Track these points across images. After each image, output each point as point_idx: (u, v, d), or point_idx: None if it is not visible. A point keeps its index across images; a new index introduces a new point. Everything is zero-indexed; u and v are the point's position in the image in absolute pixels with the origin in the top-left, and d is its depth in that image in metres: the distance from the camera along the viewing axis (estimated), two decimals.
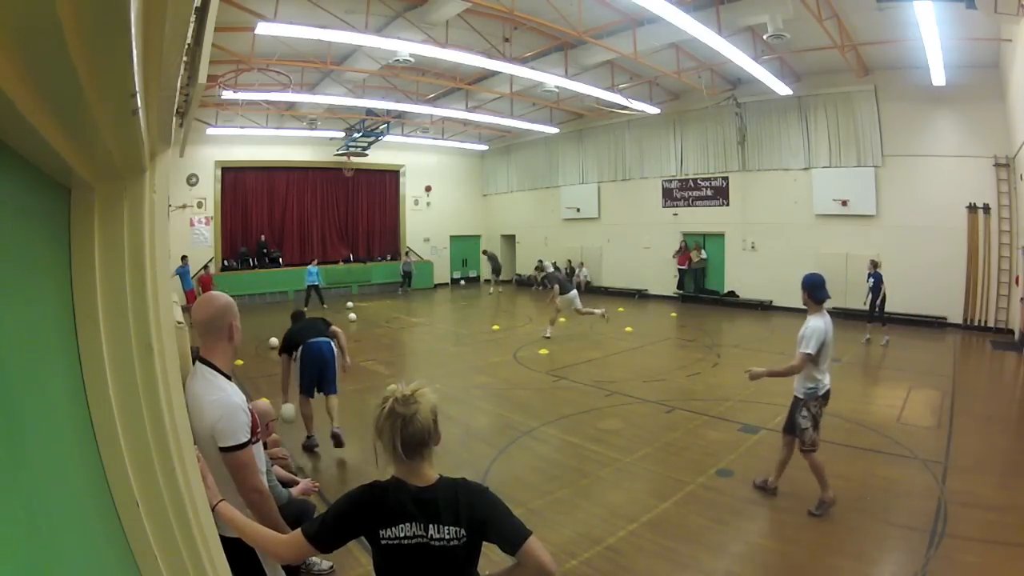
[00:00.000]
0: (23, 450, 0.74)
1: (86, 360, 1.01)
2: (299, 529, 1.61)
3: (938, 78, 10.46)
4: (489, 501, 1.62)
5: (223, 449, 1.98)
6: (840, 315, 13.14)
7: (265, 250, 17.93)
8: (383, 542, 1.55)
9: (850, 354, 9.34)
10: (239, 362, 8.83)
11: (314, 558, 3.40)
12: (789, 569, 3.47)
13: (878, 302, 10.20)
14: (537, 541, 1.56)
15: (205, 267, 16.25)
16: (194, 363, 2.12)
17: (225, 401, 2.00)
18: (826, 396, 4.14)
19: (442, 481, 1.61)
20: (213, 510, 1.77)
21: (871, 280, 10.21)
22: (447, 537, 1.54)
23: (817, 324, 3.99)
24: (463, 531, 1.55)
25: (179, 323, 2.22)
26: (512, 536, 1.57)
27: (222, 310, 2.10)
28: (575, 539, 3.82)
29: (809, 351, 3.93)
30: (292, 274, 17.04)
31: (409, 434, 1.54)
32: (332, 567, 3.47)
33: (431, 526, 1.54)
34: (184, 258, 14.47)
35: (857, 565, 3.46)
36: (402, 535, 1.54)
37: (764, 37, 9.94)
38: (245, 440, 2.00)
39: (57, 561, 0.77)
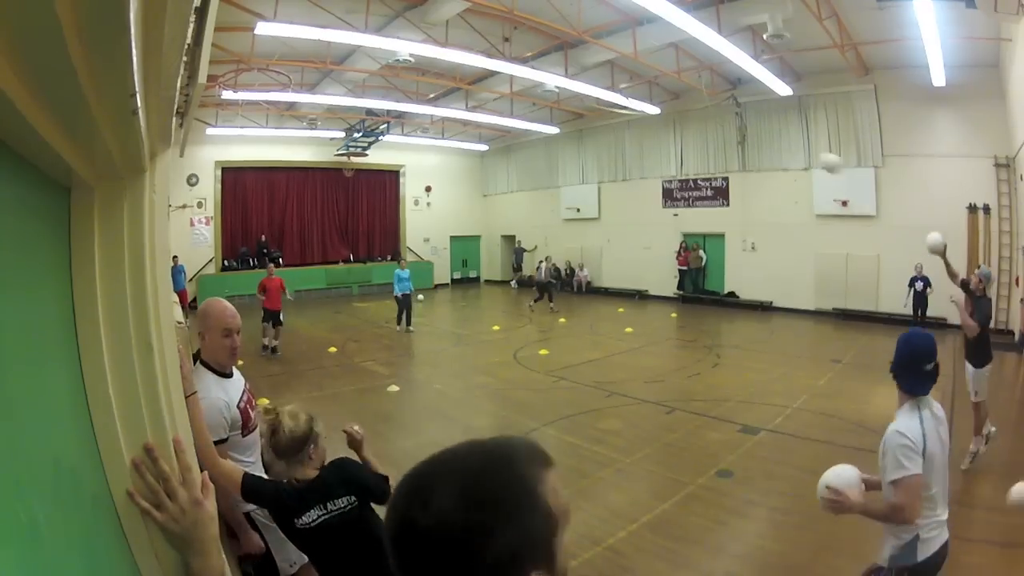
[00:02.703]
0: (24, 451, 0.74)
1: (86, 360, 1.01)
2: (244, 472, 1.93)
3: (938, 78, 10.46)
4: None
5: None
6: (840, 316, 13.23)
7: (265, 250, 17.91)
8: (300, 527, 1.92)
9: (850, 354, 9.33)
10: (240, 362, 8.81)
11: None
12: (789, 569, 3.47)
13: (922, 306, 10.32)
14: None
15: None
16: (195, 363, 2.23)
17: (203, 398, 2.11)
18: None
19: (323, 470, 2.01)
20: (187, 399, 1.90)
21: (919, 284, 10.20)
22: (343, 506, 1.95)
23: None
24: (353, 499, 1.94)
25: (179, 323, 2.27)
26: (376, 485, 1.98)
27: (199, 315, 2.44)
28: (575, 539, 3.81)
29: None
30: (292, 274, 16.98)
31: (275, 442, 1.94)
32: None
33: (329, 503, 1.93)
34: (175, 258, 14.37)
35: (857, 565, 3.43)
36: (309, 520, 1.90)
37: (764, 37, 9.94)
38: (216, 439, 2.11)
39: (57, 561, 0.77)
